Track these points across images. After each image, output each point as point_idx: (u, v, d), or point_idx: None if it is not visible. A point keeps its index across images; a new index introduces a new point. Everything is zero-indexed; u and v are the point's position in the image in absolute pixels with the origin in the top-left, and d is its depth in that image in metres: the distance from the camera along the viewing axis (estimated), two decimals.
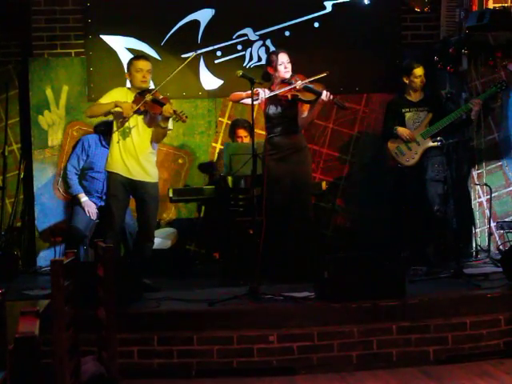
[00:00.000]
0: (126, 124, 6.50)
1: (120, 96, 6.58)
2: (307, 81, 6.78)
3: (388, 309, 5.63)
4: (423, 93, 7.54)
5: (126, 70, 6.82)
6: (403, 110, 7.52)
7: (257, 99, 6.68)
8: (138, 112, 6.47)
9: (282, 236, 6.79)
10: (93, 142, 7.78)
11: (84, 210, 7.65)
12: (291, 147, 6.89)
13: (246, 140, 7.82)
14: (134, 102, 6.47)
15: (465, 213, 8.07)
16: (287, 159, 6.86)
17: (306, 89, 6.79)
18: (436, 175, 7.40)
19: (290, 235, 6.81)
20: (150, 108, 6.46)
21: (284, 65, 6.86)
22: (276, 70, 6.90)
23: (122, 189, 6.55)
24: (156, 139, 6.67)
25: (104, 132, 7.71)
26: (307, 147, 7.12)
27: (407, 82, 7.49)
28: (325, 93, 6.72)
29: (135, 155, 6.55)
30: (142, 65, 6.61)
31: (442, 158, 7.32)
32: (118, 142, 6.53)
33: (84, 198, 7.65)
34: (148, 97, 6.45)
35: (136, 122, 6.55)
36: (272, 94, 6.81)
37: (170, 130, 6.68)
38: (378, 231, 8.21)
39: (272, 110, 6.94)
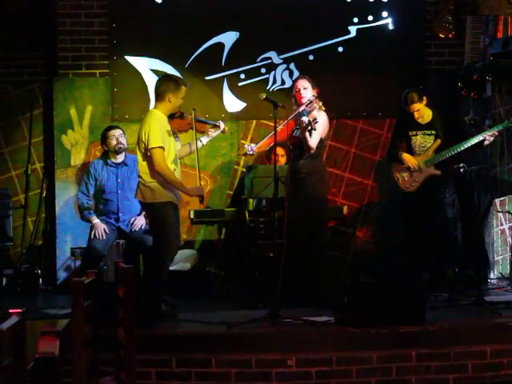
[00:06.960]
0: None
1: (166, 125, 6.36)
2: (302, 108, 6.83)
3: (408, 335, 5.59)
4: (432, 114, 7.47)
5: (164, 93, 6.31)
6: (410, 133, 7.49)
7: (245, 154, 7.17)
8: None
9: (299, 260, 6.79)
10: (99, 165, 7.71)
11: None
12: (303, 171, 6.94)
13: (283, 159, 7.78)
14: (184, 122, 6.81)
15: (487, 240, 8.03)
16: (300, 183, 6.88)
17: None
18: (443, 199, 7.37)
19: (303, 259, 6.82)
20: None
21: (299, 91, 6.99)
22: (293, 96, 7.06)
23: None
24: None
25: (107, 153, 7.75)
26: (322, 172, 7.11)
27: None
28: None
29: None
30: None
31: (448, 182, 7.31)
32: (174, 171, 6.47)
33: (95, 220, 7.56)
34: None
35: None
36: (282, 124, 6.82)
37: None
38: (399, 256, 8.16)
39: (292, 135, 7.07)
